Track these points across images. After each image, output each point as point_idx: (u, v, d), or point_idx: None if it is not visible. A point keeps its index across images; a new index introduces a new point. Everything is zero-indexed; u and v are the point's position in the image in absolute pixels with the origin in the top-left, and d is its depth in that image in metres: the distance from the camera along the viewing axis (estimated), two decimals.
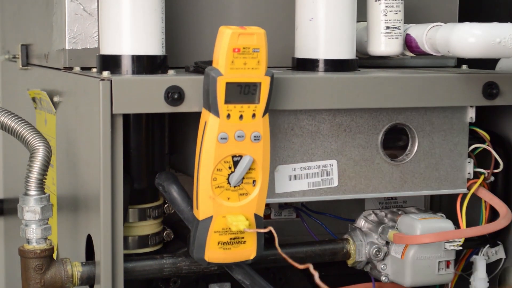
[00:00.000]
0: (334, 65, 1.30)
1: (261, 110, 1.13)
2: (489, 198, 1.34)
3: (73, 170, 1.26)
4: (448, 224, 1.31)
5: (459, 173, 1.32)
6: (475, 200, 1.36)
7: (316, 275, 0.94)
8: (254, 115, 1.13)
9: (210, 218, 1.14)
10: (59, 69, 1.33)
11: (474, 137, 1.35)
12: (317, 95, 1.21)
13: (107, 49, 1.22)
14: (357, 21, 1.33)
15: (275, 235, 1.09)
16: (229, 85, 1.11)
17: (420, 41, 1.31)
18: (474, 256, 1.38)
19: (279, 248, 1.10)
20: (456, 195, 1.33)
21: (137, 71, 1.21)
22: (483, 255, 1.39)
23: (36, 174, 1.16)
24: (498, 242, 1.41)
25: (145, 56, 1.21)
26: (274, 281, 1.43)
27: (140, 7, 1.20)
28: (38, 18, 1.47)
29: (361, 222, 1.35)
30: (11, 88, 1.77)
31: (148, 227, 1.30)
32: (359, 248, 1.32)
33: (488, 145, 1.35)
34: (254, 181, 1.16)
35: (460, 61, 1.50)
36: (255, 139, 1.14)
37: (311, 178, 1.25)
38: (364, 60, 1.41)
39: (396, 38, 1.34)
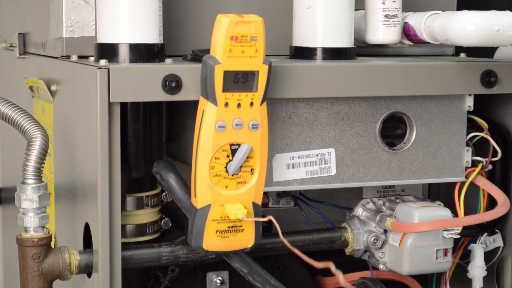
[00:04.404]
0: (332, 54, 1.29)
1: (259, 99, 1.13)
2: (487, 187, 1.34)
3: (71, 158, 1.26)
4: (446, 213, 1.31)
5: (457, 162, 1.32)
6: (473, 189, 1.36)
7: (340, 275, 0.92)
8: (252, 104, 1.13)
9: (208, 206, 1.14)
10: (57, 58, 1.32)
11: (472, 126, 1.35)
12: (315, 83, 1.21)
13: (105, 38, 1.22)
14: (355, 9, 1.33)
15: (277, 225, 1.09)
16: (226, 74, 1.11)
17: (418, 29, 1.30)
18: (472, 245, 1.38)
19: (286, 241, 1.10)
20: (454, 183, 1.33)
21: (135, 59, 1.21)
22: (481, 243, 1.39)
23: (33, 163, 1.16)
24: (496, 230, 1.41)
25: (142, 45, 1.21)
26: (272, 269, 1.43)
27: None
28: (35, 7, 1.47)
29: (359, 211, 1.35)
30: (8, 76, 1.76)
31: (146, 216, 1.30)
32: (357, 236, 1.32)
33: (486, 134, 1.35)
34: (252, 170, 1.15)
35: (458, 50, 1.50)
36: (253, 128, 1.14)
37: (309, 166, 1.25)
38: (362, 49, 1.41)
39: (394, 26, 1.33)
